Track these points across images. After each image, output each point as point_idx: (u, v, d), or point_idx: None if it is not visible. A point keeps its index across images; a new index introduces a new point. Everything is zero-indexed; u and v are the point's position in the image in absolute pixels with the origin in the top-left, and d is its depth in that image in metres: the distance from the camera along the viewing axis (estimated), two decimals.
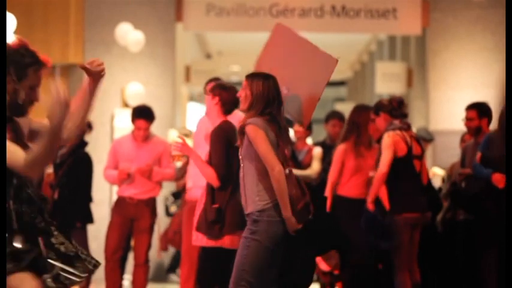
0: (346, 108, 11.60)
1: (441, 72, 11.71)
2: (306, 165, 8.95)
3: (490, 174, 6.95)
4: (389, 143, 6.98)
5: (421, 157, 7.12)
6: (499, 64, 10.99)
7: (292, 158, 8.25)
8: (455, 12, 11.66)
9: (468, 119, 7.59)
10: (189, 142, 7.73)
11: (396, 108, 7.14)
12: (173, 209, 10.69)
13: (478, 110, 7.54)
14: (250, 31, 12.36)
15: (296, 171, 6.05)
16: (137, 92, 11.26)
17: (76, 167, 8.70)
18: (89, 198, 8.82)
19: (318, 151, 9.02)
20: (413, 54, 13.24)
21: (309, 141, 9.70)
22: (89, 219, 8.86)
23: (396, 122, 7.10)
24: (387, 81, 12.96)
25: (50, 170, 8.91)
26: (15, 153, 3.73)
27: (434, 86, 11.71)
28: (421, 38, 12.38)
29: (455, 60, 11.62)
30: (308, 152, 9.16)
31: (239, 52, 18.56)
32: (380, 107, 7.29)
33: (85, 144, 8.86)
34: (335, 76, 25.48)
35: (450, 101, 11.47)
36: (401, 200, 6.99)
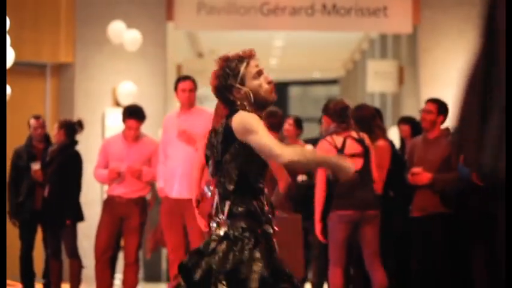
0: None
1: (432, 69, 11.74)
2: None
3: (471, 173, 6.99)
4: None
5: (362, 155, 7.17)
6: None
7: None
8: (446, 10, 11.68)
9: (426, 111, 7.66)
10: None
11: (337, 113, 7.30)
12: None
13: (439, 106, 7.65)
14: (241, 30, 12.37)
15: None
16: (129, 91, 11.26)
17: (66, 165, 8.72)
18: (78, 197, 8.83)
19: (309, 148, 9.03)
20: (405, 52, 13.26)
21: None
22: (79, 217, 8.87)
23: (332, 126, 7.26)
24: (379, 80, 12.98)
25: (37, 166, 8.90)
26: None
27: (425, 83, 11.73)
28: (412, 35, 12.39)
29: (446, 58, 11.63)
30: None
31: (232, 51, 18.56)
32: (324, 109, 7.56)
33: (75, 142, 8.86)
34: (327, 74, 25.62)
35: (441, 98, 11.47)
36: (335, 198, 7.13)
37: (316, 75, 23.72)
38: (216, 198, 4.05)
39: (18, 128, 9.84)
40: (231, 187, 3.99)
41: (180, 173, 7.71)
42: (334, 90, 23.83)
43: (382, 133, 7.84)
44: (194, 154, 7.69)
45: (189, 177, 7.65)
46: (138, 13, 11.64)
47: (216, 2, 11.70)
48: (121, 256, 8.74)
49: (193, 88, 7.88)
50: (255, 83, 4.10)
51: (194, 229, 7.69)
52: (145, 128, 8.68)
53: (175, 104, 14.56)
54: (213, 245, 3.94)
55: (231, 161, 4.01)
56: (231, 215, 3.96)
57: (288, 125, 9.14)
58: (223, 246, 3.92)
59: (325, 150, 7.08)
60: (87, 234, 9.83)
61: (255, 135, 3.92)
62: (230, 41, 16.85)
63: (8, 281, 9.06)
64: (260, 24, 11.96)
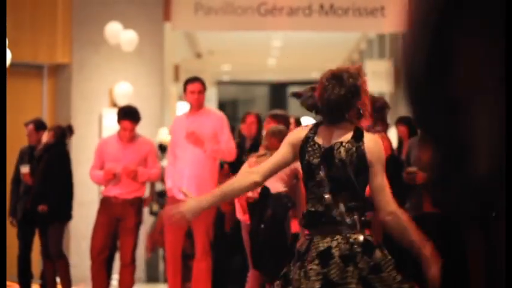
0: None
1: None
2: None
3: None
4: None
5: None
6: None
7: None
8: None
9: None
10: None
11: (377, 110, 7.28)
12: (155, 208, 10.68)
13: None
14: (239, 30, 12.36)
15: None
16: (125, 92, 11.26)
17: (51, 163, 8.75)
18: (68, 196, 8.84)
19: None
20: None
21: None
22: (67, 217, 8.87)
23: (370, 124, 7.28)
24: (377, 80, 12.97)
25: (25, 170, 8.94)
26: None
27: None
28: None
29: None
30: None
31: (230, 51, 18.56)
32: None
33: (63, 144, 8.90)
34: None
35: None
36: None
37: (315, 75, 23.68)
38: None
39: (15, 129, 9.84)
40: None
41: (187, 174, 7.77)
42: None
43: (385, 129, 7.83)
44: (202, 156, 7.72)
45: (197, 178, 7.71)
46: (135, 13, 11.63)
47: (213, 2, 11.69)
48: (117, 257, 8.73)
49: (202, 90, 7.92)
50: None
51: (199, 230, 7.75)
52: (142, 129, 8.68)
53: (172, 105, 14.57)
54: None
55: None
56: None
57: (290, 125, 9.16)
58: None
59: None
60: (84, 235, 9.82)
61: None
62: (229, 42, 16.87)
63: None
64: (257, 25, 11.95)
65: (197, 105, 7.87)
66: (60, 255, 8.81)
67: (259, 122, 8.56)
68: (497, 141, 1.53)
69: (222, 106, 23.04)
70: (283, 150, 4.29)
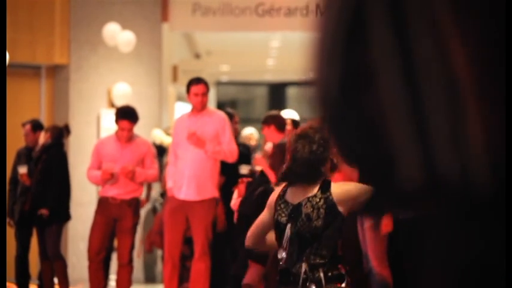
0: None
1: None
2: None
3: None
4: None
5: None
6: None
7: None
8: None
9: None
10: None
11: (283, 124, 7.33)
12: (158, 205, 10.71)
13: None
14: (236, 31, 12.36)
15: None
16: (124, 92, 11.25)
17: (50, 165, 8.75)
18: (65, 197, 8.85)
19: None
20: None
21: None
22: (66, 217, 8.88)
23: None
24: None
25: (23, 170, 8.95)
26: None
27: None
28: None
29: None
30: None
31: (229, 52, 18.56)
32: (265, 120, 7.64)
33: (60, 144, 8.90)
34: None
35: None
36: None
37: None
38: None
39: (13, 130, 9.84)
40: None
41: (188, 174, 7.78)
42: None
43: None
44: (203, 156, 7.74)
45: (197, 178, 7.73)
46: (133, 14, 11.63)
47: (211, 3, 11.69)
48: (114, 257, 8.74)
49: (206, 92, 7.93)
50: None
51: (198, 230, 7.77)
52: (140, 129, 8.68)
53: (170, 105, 14.57)
54: None
55: None
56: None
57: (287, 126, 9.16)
58: None
59: None
60: (82, 235, 9.82)
61: None
62: (227, 42, 16.86)
63: None
64: (255, 25, 11.95)
65: (200, 107, 7.88)
66: (58, 256, 8.82)
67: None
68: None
69: (221, 107, 23.02)
70: (264, 215, 4.38)
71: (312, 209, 4.17)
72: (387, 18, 1.33)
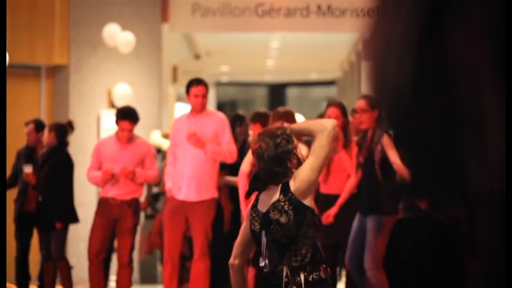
0: None
1: None
2: None
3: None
4: None
5: None
6: None
7: None
8: None
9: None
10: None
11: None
12: (149, 211, 10.69)
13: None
14: (236, 31, 12.36)
15: None
16: (124, 93, 11.26)
17: (57, 168, 8.75)
18: (71, 200, 8.86)
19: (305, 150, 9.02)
20: None
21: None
22: (72, 219, 8.88)
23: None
24: None
25: (29, 169, 8.94)
26: None
27: None
28: None
29: None
30: None
31: (228, 52, 18.56)
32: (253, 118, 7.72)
33: (65, 144, 8.89)
34: (325, 76, 25.52)
35: None
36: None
37: (314, 76, 23.71)
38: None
39: (13, 130, 9.85)
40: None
41: (187, 175, 7.79)
42: (331, 92, 23.82)
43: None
44: (202, 156, 7.75)
45: (197, 179, 7.74)
46: (133, 15, 11.64)
47: (211, 3, 11.70)
48: (114, 258, 8.74)
49: (206, 93, 7.94)
50: None
51: (198, 231, 7.78)
52: (140, 130, 8.68)
53: (170, 106, 14.58)
54: None
55: None
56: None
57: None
58: None
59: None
60: (83, 236, 9.82)
61: None
62: (227, 43, 16.87)
63: None
64: (255, 26, 11.96)
65: (200, 109, 7.89)
66: (61, 257, 8.81)
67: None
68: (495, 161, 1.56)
69: (221, 107, 23.04)
70: (243, 225, 4.40)
71: (279, 214, 4.18)
72: None
